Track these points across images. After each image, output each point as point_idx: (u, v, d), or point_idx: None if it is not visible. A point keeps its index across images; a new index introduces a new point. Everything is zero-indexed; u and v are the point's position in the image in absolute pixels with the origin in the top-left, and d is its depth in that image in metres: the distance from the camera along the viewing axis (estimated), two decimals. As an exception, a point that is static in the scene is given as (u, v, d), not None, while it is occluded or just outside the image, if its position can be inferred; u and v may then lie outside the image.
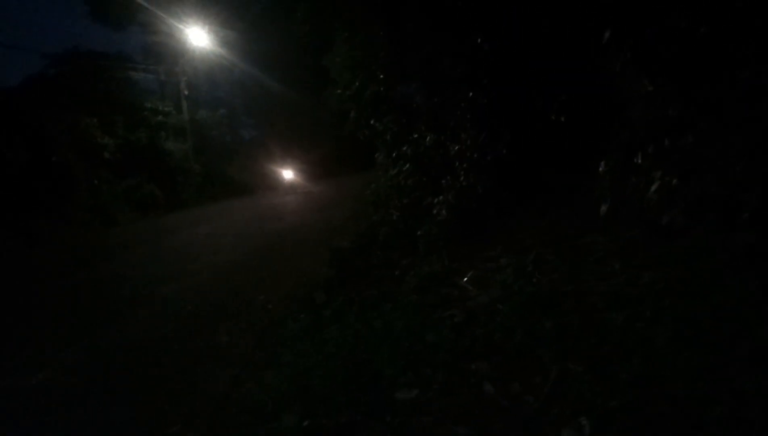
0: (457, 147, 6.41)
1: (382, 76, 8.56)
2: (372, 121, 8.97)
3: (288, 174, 24.06)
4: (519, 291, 3.69)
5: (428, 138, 7.23)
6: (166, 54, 23.33)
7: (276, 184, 24.78)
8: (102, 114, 19.90)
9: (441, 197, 6.29)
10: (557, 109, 5.11)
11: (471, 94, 6.20)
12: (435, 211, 6.26)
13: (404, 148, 7.77)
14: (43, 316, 7.37)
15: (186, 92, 23.12)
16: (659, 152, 2.99)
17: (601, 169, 3.52)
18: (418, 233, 6.28)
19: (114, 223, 17.96)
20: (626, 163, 3.24)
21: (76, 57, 21.65)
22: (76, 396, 4.50)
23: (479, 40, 5.96)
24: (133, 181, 19.96)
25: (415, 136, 7.55)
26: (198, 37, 21.80)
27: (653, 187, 3.00)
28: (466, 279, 4.64)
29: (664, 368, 2.30)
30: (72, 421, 4.11)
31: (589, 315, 3.11)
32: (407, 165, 7.67)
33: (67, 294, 8.53)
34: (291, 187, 22.21)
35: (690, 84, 2.83)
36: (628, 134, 3.20)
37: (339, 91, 10.47)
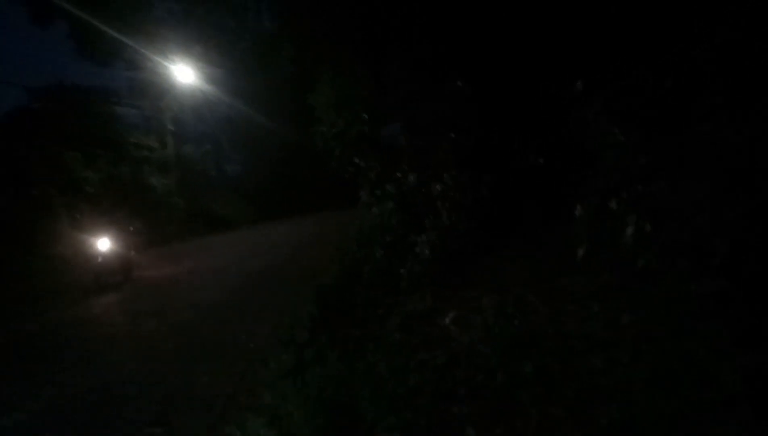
0: (439, 187, 6.52)
1: (366, 116, 8.74)
2: (356, 160, 9.10)
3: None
4: (500, 333, 3.72)
5: (411, 177, 7.34)
6: (152, 89, 23.47)
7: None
8: (85, 148, 19.82)
9: (424, 236, 6.35)
10: (535, 151, 5.25)
11: (453, 135, 6.36)
12: (418, 250, 6.30)
13: (388, 187, 7.87)
14: (20, 355, 7.17)
15: (171, 127, 23.20)
16: (632, 198, 3.09)
17: (577, 212, 3.62)
18: (401, 271, 6.31)
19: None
20: (601, 207, 3.34)
21: (60, 91, 21.68)
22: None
23: (459, 83, 6.15)
24: (115, 216, 19.77)
25: (399, 175, 7.67)
26: (184, 73, 22.02)
27: (628, 232, 3.09)
28: (448, 320, 4.66)
29: (641, 413, 2.34)
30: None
31: (569, 358, 3.14)
32: (391, 203, 7.75)
33: (44, 333, 8.33)
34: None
35: (658, 133, 2.96)
36: (602, 179, 3.31)
37: (324, 129, 10.63)
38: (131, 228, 13.93)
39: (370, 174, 8.94)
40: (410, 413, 3.30)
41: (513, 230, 5.44)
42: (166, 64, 21.22)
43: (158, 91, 23.34)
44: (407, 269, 6.24)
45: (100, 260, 11.71)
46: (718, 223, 2.54)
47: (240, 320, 7.48)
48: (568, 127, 3.50)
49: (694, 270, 2.59)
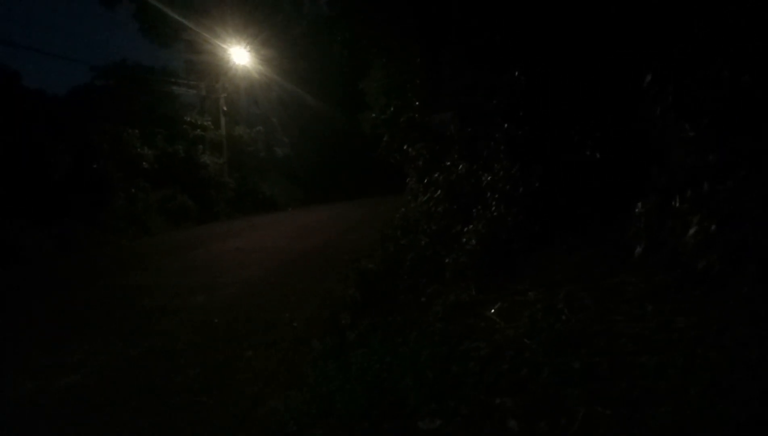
0: (489, 177, 6.42)
1: (417, 103, 8.70)
2: (405, 147, 9.09)
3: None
4: (548, 328, 3.66)
5: (461, 166, 7.27)
6: (208, 70, 24.17)
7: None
8: (143, 125, 20.59)
9: (471, 226, 6.29)
10: (592, 145, 5.10)
11: (506, 125, 6.25)
12: (464, 240, 6.25)
13: (436, 175, 7.83)
14: (73, 321, 7.55)
15: (225, 108, 23.80)
16: (698, 197, 2.97)
17: (637, 210, 3.50)
18: (446, 260, 6.28)
19: (147, 232, 18.41)
20: (663, 205, 3.22)
21: (123, 70, 22.57)
22: (100, 403, 4.59)
23: (516, 73, 6.02)
24: (168, 192, 20.49)
25: (448, 163, 7.61)
26: (239, 55, 22.59)
27: (690, 232, 2.97)
28: (493, 311, 4.61)
29: (697, 419, 2.26)
30: (92, 428, 4.18)
31: (619, 358, 3.06)
32: (438, 192, 7.71)
33: (99, 300, 8.75)
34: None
35: (731, 131, 2.82)
36: (666, 177, 3.19)
37: (374, 114, 10.68)
38: None
39: (418, 161, 8.92)
40: (452, 401, 3.31)
41: (565, 225, 5.32)
42: (223, 46, 21.76)
43: (214, 71, 23.99)
44: (452, 258, 6.20)
45: None
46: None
47: (283, 299, 7.65)
48: (632, 122, 3.38)
49: (762, 275, 2.47)
